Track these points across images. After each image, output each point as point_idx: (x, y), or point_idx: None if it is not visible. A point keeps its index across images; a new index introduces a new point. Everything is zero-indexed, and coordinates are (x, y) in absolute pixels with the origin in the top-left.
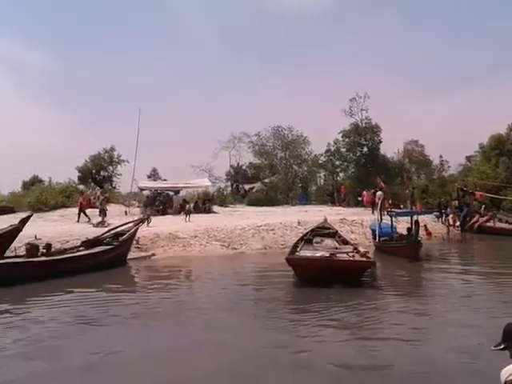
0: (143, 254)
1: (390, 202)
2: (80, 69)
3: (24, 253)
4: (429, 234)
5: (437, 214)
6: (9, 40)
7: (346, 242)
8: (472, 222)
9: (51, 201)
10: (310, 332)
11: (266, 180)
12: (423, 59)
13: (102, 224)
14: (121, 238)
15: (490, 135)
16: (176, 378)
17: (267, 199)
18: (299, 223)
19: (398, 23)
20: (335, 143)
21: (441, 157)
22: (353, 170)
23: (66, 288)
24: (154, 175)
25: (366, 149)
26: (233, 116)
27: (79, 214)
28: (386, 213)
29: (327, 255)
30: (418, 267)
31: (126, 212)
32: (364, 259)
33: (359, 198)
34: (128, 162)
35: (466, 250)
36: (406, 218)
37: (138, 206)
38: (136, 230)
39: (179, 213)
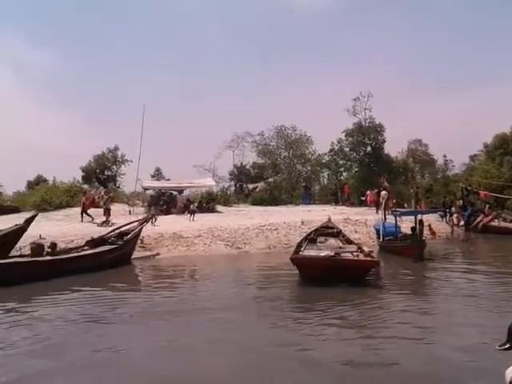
0: (147, 253)
1: (394, 201)
2: (83, 68)
3: (29, 252)
4: (433, 233)
5: (441, 213)
6: (12, 39)
7: (349, 242)
8: (477, 221)
9: (56, 200)
10: (315, 330)
11: (270, 179)
12: (428, 58)
13: (106, 223)
14: (125, 238)
15: (495, 134)
16: (181, 376)
17: (271, 199)
18: (303, 223)
19: (402, 22)
20: (339, 142)
21: (445, 156)
22: (356, 169)
23: (72, 287)
24: (157, 175)
25: (369, 148)
26: (236, 116)
27: (82, 214)
28: (390, 212)
29: (332, 254)
30: (423, 267)
31: (129, 211)
32: (368, 259)
33: (363, 198)
34: (132, 161)
35: (470, 249)
36: (410, 217)
37: (142, 206)
38: (140, 230)
39: (183, 212)
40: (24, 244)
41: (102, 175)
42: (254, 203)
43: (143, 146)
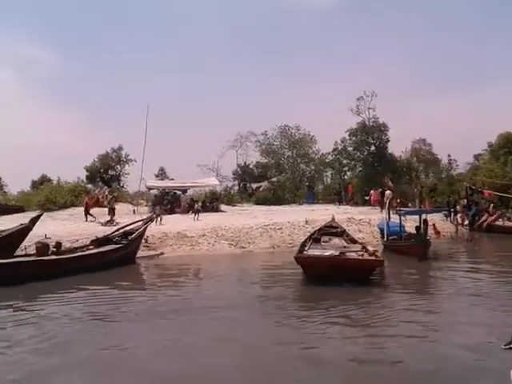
0: (152, 252)
1: (399, 200)
2: (84, 68)
3: (34, 251)
4: (437, 232)
5: (445, 212)
6: (13, 39)
7: (354, 241)
8: (481, 220)
9: (60, 200)
10: (320, 329)
11: (273, 179)
12: (430, 57)
13: (110, 223)
14: (130, 237)
15: (499, 134)
16: (186, 374)
17: (274, 198)
18: (307, 222)
19: (402, 21)
20: (342, 142)
21: (449, 155)
22: (360, 168)
23: (77, 286)
24: (161, 174)
25: (373, 147)
26: (239, 115)
27: (86, 214)
28: (394, 212)
29: (336, 254)
30: (427, 266)
31: (134, 211)
32: (373, 258)
33: (366, 198)
34: (135, 161)
35: (474, 248)
36: (414, 216)
37: (146, 205)
38: (145, 229)
39: (187, 212)
40: (29, 243)
41: (106, 175)
42: (258, 203)
43: (147, 145)
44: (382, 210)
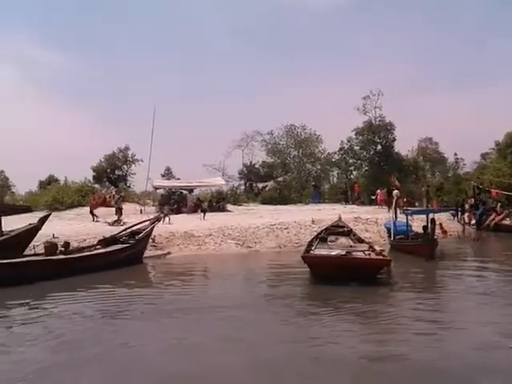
0: (159, 252)
1: (405, 200)
2: (94, 69)
3: (43, 251)
4: (444, 232)
5: (452, 212)
6: (24, 38)
7: (360, 241)
8: (489, 220)
9: (67, 200)
10: (327, 327)
11: (280, 178)
12: (432, 57)
13: (117, 223)
14: (137, 237)
15: (506, 132)
16: (192, 373)
17: (280, 198)
18: (313, 221)
19: (403, 21)
20: (348, 141)
21: (455, 154)
22: (366, 168)
23: (85, 285)
24: (167, 174)
25: (379, 147)
26: (242, 115)
27: (92, 214)
28: (402, 211)
29: (343, 253)
30: (434, 265)
31: (140, 211)
32: (380, 257)
33: (373, 197)
34: (142, 161)
35: (482, 248)
36: (420, 216)
37: (153, 205)
38: (152, 229)
39: (194, 211)
40: (37, 243)
41: (112, 175)
42: (264, 202)
43: (153, 145)
44: (389, 210)
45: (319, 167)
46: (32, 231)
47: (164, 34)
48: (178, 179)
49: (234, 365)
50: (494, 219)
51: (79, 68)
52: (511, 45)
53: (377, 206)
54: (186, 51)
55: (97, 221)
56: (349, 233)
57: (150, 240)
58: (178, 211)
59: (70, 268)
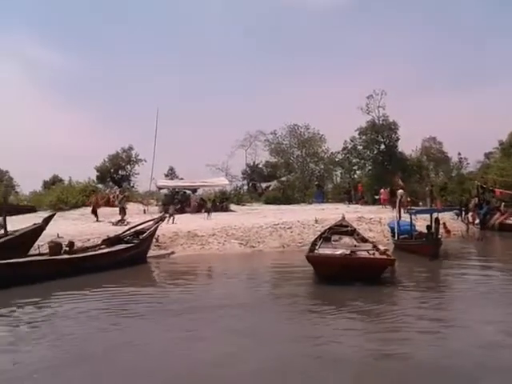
0: (163, 251)
1: (409, 199)
2: (94, 69)
3: (47, 251)
4: (448, 231)
5: (456, 211)
6: (25, 38)
7: (364, 240)
8: (493, 219)
9: (71, 200)
10: (331, 326)
11: (283, 178)
12: (432, 57)
13: (121, 222)
14: (141, 237)
15: (510, 132)
16: (196, 372)
17: (284, 197)
18: (317, 221)
19: (403, 21)
20: (352, 141)
21: (459, 154)
22: (370, 167)
23: (90, 285)
24: (171, 174)
25: (383, 146)
26: (246, 115)
27: (96, 214)
28: (406, 210)
29: (347, 253)
30: (438, 265)
31: (144, 211)
32: (384, 257)
33: (376, 197)
34: (145, 161)
35: (486, 247)
36: (424, 215)
37: (157, 205)
38: (156, 229)
39: (197, 211)
40: (42, 243)
41: (116, 175)
42: (267, 202)
43: (157, 145)
44: (393, 209)
45: (322, 167)
46: (36, 231)
47: (164, 34)
48: (182, 179)
49: (238, 364)
50: (498, 219)
51: (79, 68)
52: (511, 45)
53: (380, 206)
54: (186, 51)
55: (99, 220)
56: (352, 232)
57: (154, 240)
58: (182, 211)
59: (74, 268)
